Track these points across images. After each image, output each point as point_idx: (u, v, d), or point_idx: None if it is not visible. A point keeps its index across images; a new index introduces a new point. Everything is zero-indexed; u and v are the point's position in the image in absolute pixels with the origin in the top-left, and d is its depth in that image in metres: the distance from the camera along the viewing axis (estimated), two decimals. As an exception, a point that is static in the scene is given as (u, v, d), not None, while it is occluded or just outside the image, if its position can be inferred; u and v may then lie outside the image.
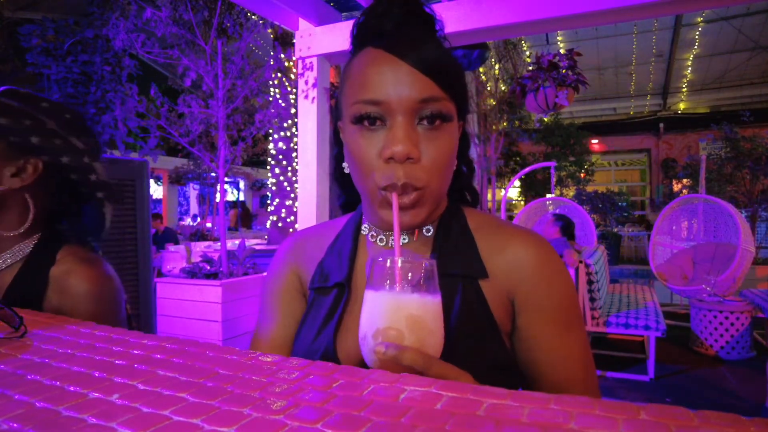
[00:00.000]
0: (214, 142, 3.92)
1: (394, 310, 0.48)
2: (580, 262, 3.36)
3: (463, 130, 0.69)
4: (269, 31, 6.49)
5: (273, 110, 4.41)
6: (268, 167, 7.06)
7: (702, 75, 11.99)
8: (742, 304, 3.75)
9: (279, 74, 6.18)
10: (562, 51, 3.81)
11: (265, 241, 7.27)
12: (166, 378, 0.40)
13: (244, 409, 0.34)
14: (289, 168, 6.74)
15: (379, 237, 0.68)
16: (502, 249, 0.64)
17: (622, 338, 4.21)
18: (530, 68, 3.92)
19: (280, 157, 6.80)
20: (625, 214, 9.98)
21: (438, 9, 0.64)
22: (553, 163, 7.50)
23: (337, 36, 2.87)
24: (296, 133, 4.36)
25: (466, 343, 0.59)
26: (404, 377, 0.40)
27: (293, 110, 6.28)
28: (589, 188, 10.60)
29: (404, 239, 0.66)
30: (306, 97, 3.00)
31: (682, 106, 13.64)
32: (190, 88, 3.88)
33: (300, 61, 3.03)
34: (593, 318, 3.40)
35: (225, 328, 3.37)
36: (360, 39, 0.64)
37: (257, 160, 12.35)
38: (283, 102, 6.49)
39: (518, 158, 12.19)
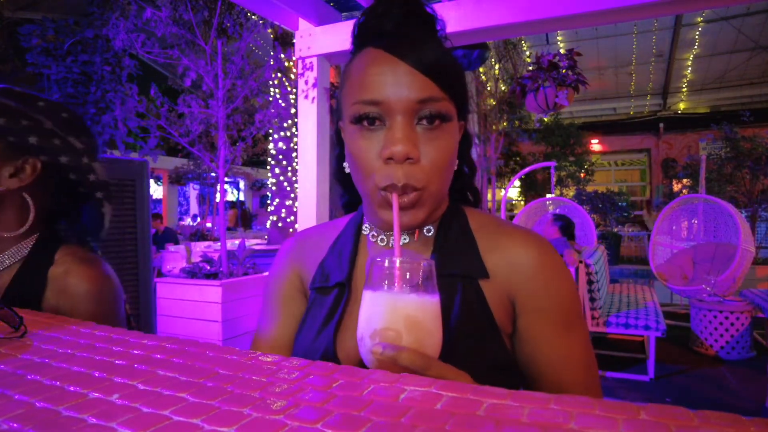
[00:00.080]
0: (214, 142, 3.92)
1: (392, 310, 0.48)
2: (580, 262, 3.36)
3: (465, 130, 0.69)
4: (269, 31, 6.49)
5: (273, 110, 4.41)
6: (268, 167, 7.06)
7: (702, 75, 11.99)
8: (742, 304, 3.75)
9: (279, 74, 6.18)
10: (562, 51, 3.81)
11: (265, 241, 7.28)
12: (166, 378, 0.40)
13: (244, 409, 0.34)
14: (289, 168, 6.74)
15: (380, 237, 0.68)
16: (503, 249, 0.64)
17: (622, 338, 4.21)
18: (530, 68, 3.92)
19: (280, 157, 6.81)
20: (625, 214, 9.98)
21: (438, 9, 0.64)
22: (553, 163, 7.50)
23: (337, 36, 2.87)
24: (296, 133, 4.37)
25: (466, 343, 0.59)
26: (404, 377, 0.40)
27: (293, 110, 6.28)
28: (589, 188, 10.60)
29: (405, 239, 0.66)
30: (306, 97, 3.01)
31: (682, 106, 13.64)
32: (190, 88, 3.88)
33: (300, 61, 3.03)
34: (593, 318, 3.40)
35: (225, 328, 3.37)
36: (360, 39, 0.64)
37: (257, 160, 12.36)
38: (283, 102, 6.49)
39: (518, 158, 12.19)
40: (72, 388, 0.38)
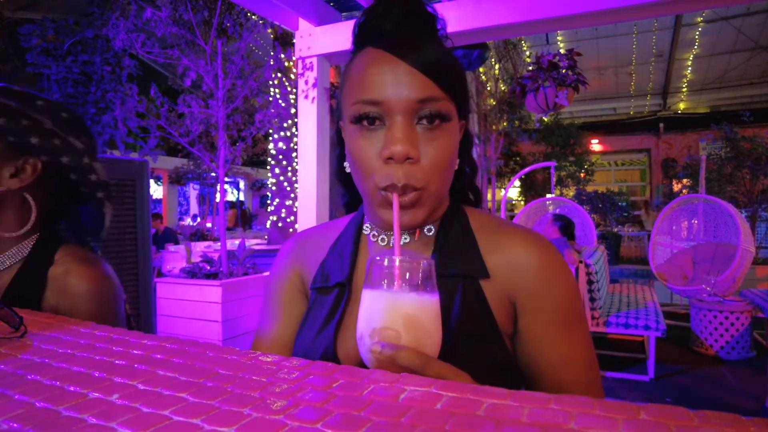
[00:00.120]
0: (214, 142, 3.92)
1: (391, 309, 0.48)
2: (580, 262, 3.36)
3: (466, 130, 0.69)
4: (269, 31, 6.49)
5: (273, 110, 4.41)
6: (268, 167, 7.06)
7: (702, 75, 11.99)
8: (742, 304, 3.75)
9: (279, 74, 6.18)
10: (562, 51, 3.81)
11: (265, 241, 7.27)
12: (166, 378, 0.40)
13: (244, 409, 0.34)
14: (289, 168, 6.74)
15: (381, 237, 0.68)
16: (504, 249, 0.64)
17: (622, 338, 4.21)
18: (530, 68, 3.92)
19: (280, 157, 6.80)
20: (625, 214, 9.98)
21: (438, 9, 0.64)
22: (553, 163, 7.50)
23: (337, 36, 2.87)
24: (296, 133, 4.36)
25: (466, 343, 0.59)
26: (404, 377, 0.40)
27: (293, 110, 6.28)
28: (589, 188, 10.60)
29: (406, 239, 0.66)
30: (306, 97, 3.01)
31: (682, 106, 13.64)
32: (190, 88, 3.88)
33: (300, 61, 3.03)
34: (593, 318, 3.40)
35: (225, 328, 3.37)
36: (360, 39, 0.64)
37: (257, 160, 12.36)
38: (283, 102, 6.49)
39: (518, 158, 12.19)
40: (72, 388, 0.38)
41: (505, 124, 8.59)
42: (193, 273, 3.54)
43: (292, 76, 6.29)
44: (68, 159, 0.85)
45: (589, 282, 3.36)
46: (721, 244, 4.76)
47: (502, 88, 8.06)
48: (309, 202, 3.01)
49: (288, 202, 6.74)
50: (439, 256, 0.64)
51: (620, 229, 9.81)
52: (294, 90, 6.33)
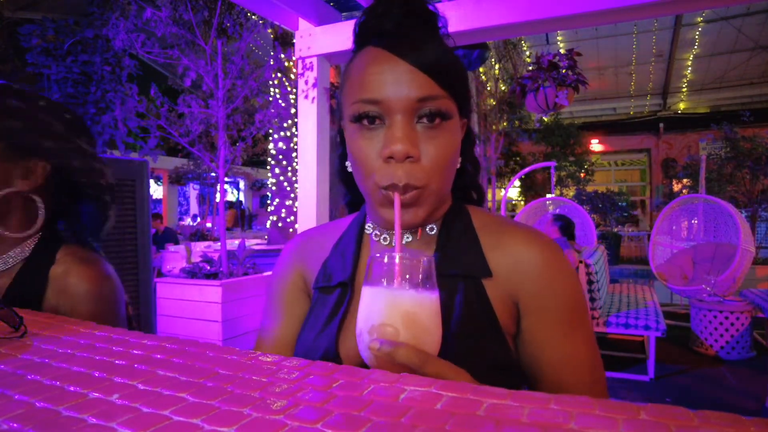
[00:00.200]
0: (214, 142, 3.92)
1: (390, 306, 0.48)
2: (580, 262, 3.36)
3: (468, 128, 0.69)
4: (269, 31, 6.49)
5: (273, 110, 4.41)
6: (268, 167, 7.06)
7: (702, 75, 11.99)
8: (742, 304, 3.75)
9: (279, 74, 6.18)
10: (562, 51, 3.81)
11: (265, 241, 7.27)
12: (166, 378, 0.40)
13: (244, 409, 0.34)
14: (289, 168, 6.74)
15: (383, 236, 0.68)
16: (507, 248, 0.63)
17: (622, 338, 4.21)
18: (530, 68, 3.92)
19: (280, 157, 6.80)
20: (625, 214, 9.98)
21: (438, 9, 0.64)
22: (553, 163, 7.50)
23: (337, 36, 2.87)
24: (296, 133, 4.36)
25: (468, 342, 0.59)
26: (404, 377, 0.40)
27: (293, 110, 6.28)
28: (589, 188, 10.60)
29: (408, 238, 0.66)
30: (306, 97, 3.01)
31: (682, 106, 13.63)
32: (190, 88, 3.88)
33: (300, 61, 3.03)
34: (593, 318, 3.40)
35: (225, 328, 3.37)
36: (361, 38, 0.64)
37: (257, 160, 12.36)
38: (283, 102, 6.49)
39: (518, 158, 12.19)
40: (72, 388, 0.38)
41: (505, 124, 8.58)
42: (193, 273, 3.54)
43: (292, 76, 6.29)
44: (79, 162, 0.87)
45: (589, 282, 3.36)
46: (721, 244, 4.76)
47: (502, 88, 8.06)
48: (309, 202, 3.01)
49: (288, 202, 6.74)
50: (442, 255, 0.63)
51: (620, 229, 9.81)
52: (294, 90, 6.33)
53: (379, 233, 0.68)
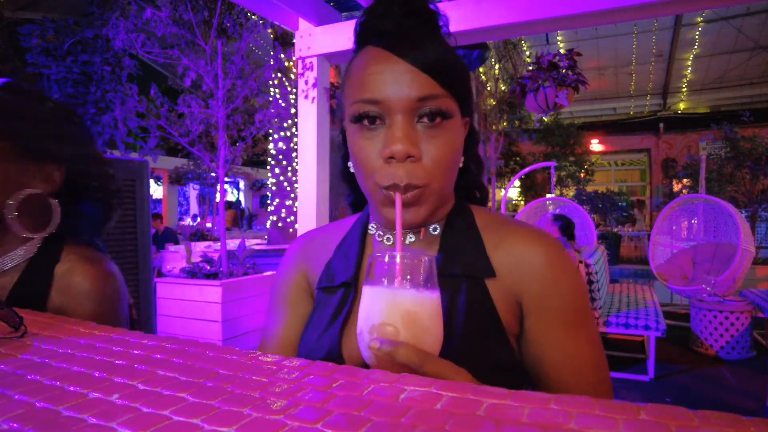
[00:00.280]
0: (214, 142, 3.93)
1: (391, 305, 0.48)
2: (580, 262, 3.36)
3: (471, 127, 0.69)
4: (269, 31, 6.49)
5: (273, 110, 4.41)
6: (268, 167, 7.06)
7: (702, 75, 11.99)
8: (742, 304, 3.75)
9: (279, 74, 6.18)
10: (562, 51, 3.81)
11: (265, 241, 7.27)
12: (166, 378, 0.40)
13: (244, 409, 0.34)
14: (289, 168, 6.74)
15: (386, 236, 0.68)
16: (510, 247, 0.63)
17: (622, 338, 4.21)
18: (530, 68, 3.92)
19: (280, 157, 6.80)
20: (625, 214, 9.98)
21: (438, 8, 0.64)
22: (553, 163, 7.50)
23: (337, 36, 2.87)
24: (296, 133, 4.36)
25: (471, 342, 0.59)
26: (404, 377, 0.40)
27: (293, 110, 6.28)
28: (589, 188, 10.61)
29: (411, 238, 0.66)
30: (306, 97, 3.01)
31: (682, 106, 13.63)
32: (190, 88, 3.88)
33: (300, 61, 3.04)
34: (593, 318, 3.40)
35: (225, 328, 3.37)
36: (361, 38, 0.64)
37: (257, 160, 12.35)
38: (283, 102, 6.49)
39: (518, 158, 12.20)
40: (72, 388, 0.38)
41: (505, 124, 8.59)
42: (193, 273, 3.54)
43: (292, 76, 6.29)
44: (93, 167, 0.89)
45: (589, 282, 3.36)
46: (721, 244, 4.76)
47: (502, 88, 8.07)
48: (309, 202, 3.01)
49: (288, 202, 6.74)
50: (445, 255, 0.63)
51: (620, 229, 9.81)
52: (294, 90, 6.32)
53: (382, 233, 0.68)
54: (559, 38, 10.41)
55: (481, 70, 7.41)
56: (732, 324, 3.73)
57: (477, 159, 0.72)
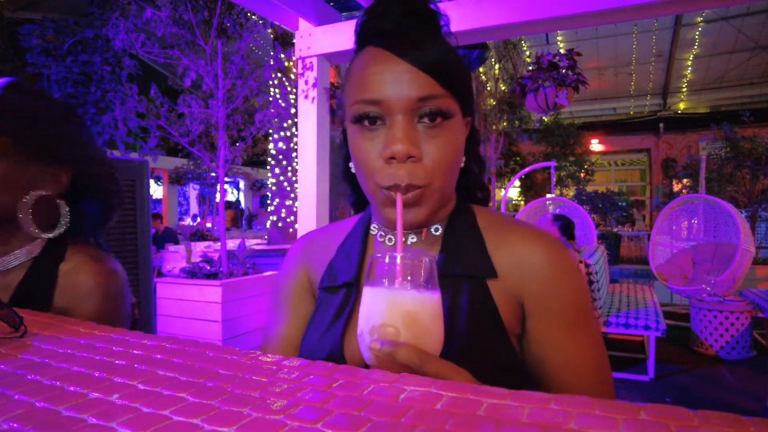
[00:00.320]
0: (214, 142, 3.93)
1: (391, 306, 0.48)
2: (580, 262, 3.36)
3: (472, 127, 0.68)
4: (269, 31, 6.49)
5: (273, 110, 4.41)
6: (268, 167, 7.06)
7: (702, 75, 11.99)
8: (742, 304, 3.75)
9: (279, 74, 6.18)
10: (562, 51, 3.81)
11: (265, 241, 7.27)
12: (166, 378, 0.40)
13: (244, 409, 0.34)
14: (289, 168, 6.74)
15: (388, 237, 0.68)
16: (511, 248, 0.63)
17: (622, 338, 4.21)
18: (530, 68, 3.92)
19: (280, 157, 6.80)
20: (625, 214, 9.99)
21: (439, 8, 0.64)
22: (553, 163, 7.50)
23: (337, 36, 2.87)
24: (296, 133, 4.36)
25: (473, 343, 0.59)
26: (404, 377, 0.40)
27: (293, 110, 6.28)
28: (589, 188, 10.61)
29: (413, 239, 0.66)
30: (306, 97, 3.01)
31: (682, 106, 13.63)
32: (190, 88, 3.88)
33: (300, 61, 3.04)
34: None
35: (225, 328, 3.37)
36: (362, 38, 0.64)
37: (257, 160, 12.35)
38: (283, 102, 6.49)
39: (518, 158, 12.20)
40: (72, 388, 0.38)
41: (505, 124, 8.59)
42: (193, 273, 3.54)
43: (292, 76, 6.29)
44: (98, 169, 0.90)
45: (589, 282, 3.36)
46: (721, 244, 4.76)
47: (502, 88, 8.07)
48: (309, 202, 3.01)
49: (288, 202, 6.74)
50: (447, 255, 0.63)
51: (620, 229, 9.81)
52: (294, 90, 6.32)
53: (384, 234, 0.68)
54: (559, 38, 10.41)
55: (481, 70, 7.41)
56: (732, 324, 3.73)
57: (478, 159, 0.72)
